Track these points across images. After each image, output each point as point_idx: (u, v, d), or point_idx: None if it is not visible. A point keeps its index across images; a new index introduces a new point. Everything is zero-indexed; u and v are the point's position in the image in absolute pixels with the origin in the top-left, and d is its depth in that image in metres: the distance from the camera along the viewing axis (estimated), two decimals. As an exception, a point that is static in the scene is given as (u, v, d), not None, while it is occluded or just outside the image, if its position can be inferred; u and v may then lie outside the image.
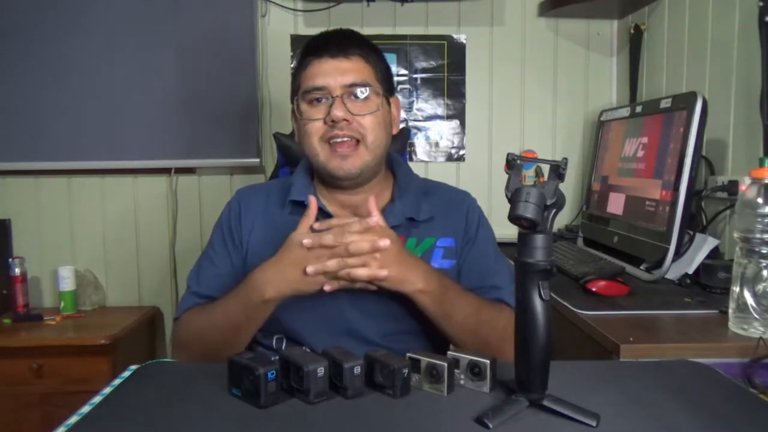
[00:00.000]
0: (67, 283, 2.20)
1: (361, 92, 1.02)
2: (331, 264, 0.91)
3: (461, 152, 2.35)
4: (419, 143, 2.34)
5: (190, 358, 1.04)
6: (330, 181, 1.07)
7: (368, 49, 1.06)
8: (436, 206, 1.11)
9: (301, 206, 1.05)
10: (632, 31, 2.12)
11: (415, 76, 2.31)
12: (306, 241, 0.91)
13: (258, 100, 2.24)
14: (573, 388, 0.75)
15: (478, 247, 1.11)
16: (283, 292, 0.95)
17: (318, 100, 1.02)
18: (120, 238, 2.34)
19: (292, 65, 2.24)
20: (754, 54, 1.43)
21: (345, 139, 1.01)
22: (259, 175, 2.31)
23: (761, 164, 1.04)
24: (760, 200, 1.02)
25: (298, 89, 1.05)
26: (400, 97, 2.27)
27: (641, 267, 1.49)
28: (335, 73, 1.01)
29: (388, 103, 1.08)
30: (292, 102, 1.07)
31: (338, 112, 0.99)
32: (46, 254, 2.32)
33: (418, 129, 2.33)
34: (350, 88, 1.01)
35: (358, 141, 1.02)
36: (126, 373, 0.86)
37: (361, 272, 0.91)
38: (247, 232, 1.09)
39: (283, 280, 0.94)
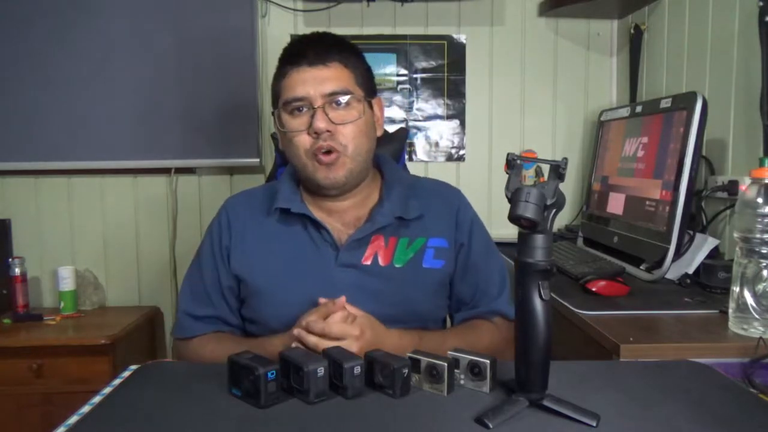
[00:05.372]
0: (67, 283, 2.20)
1: (342, 100, 1.02)
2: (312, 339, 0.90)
3: (461, 152, 2.35)
4: (419, 143, 2.34)
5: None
6: (317, 191, 1.08)
7: (347, 53, 1.05)
8: (426, 203, 1.11)
9: (288, 214, 1.07)
10: (632, 31, 2.12)
11: (415, 76, 2.31)
12: (294, 345, 0.91)
13: (258, 100, 2.24)
14: (573, 388, 0.75)
15: (471, 254, 1.11)
16: None
17: (299, 109, 1.02)
18: (120, 237, 2.34)
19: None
20: (754, 54, 1.43)
21: (328, 150, 1.01)
22: (258, 175, 2.31)
23: (761, 164, 1.04)
24: (760, 200, 1.02)
25: (278, 98, 1.06)
26: (399, 96, 2.28)
27: (641, 267, 1.49)
28: (314, 82, 1.01)
29: (371, 106, 1.08)
30: (274, 110, 1.07)
31: (320, 124, 1.00)
32: (46, 254, 2.32)
33: (418, 129, 2.33)
34: (331, 97, 1.01)
35: (340, 151, 1.02)
36: (126, 373, 0.86)
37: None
38: (235, 242, 1.10)
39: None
